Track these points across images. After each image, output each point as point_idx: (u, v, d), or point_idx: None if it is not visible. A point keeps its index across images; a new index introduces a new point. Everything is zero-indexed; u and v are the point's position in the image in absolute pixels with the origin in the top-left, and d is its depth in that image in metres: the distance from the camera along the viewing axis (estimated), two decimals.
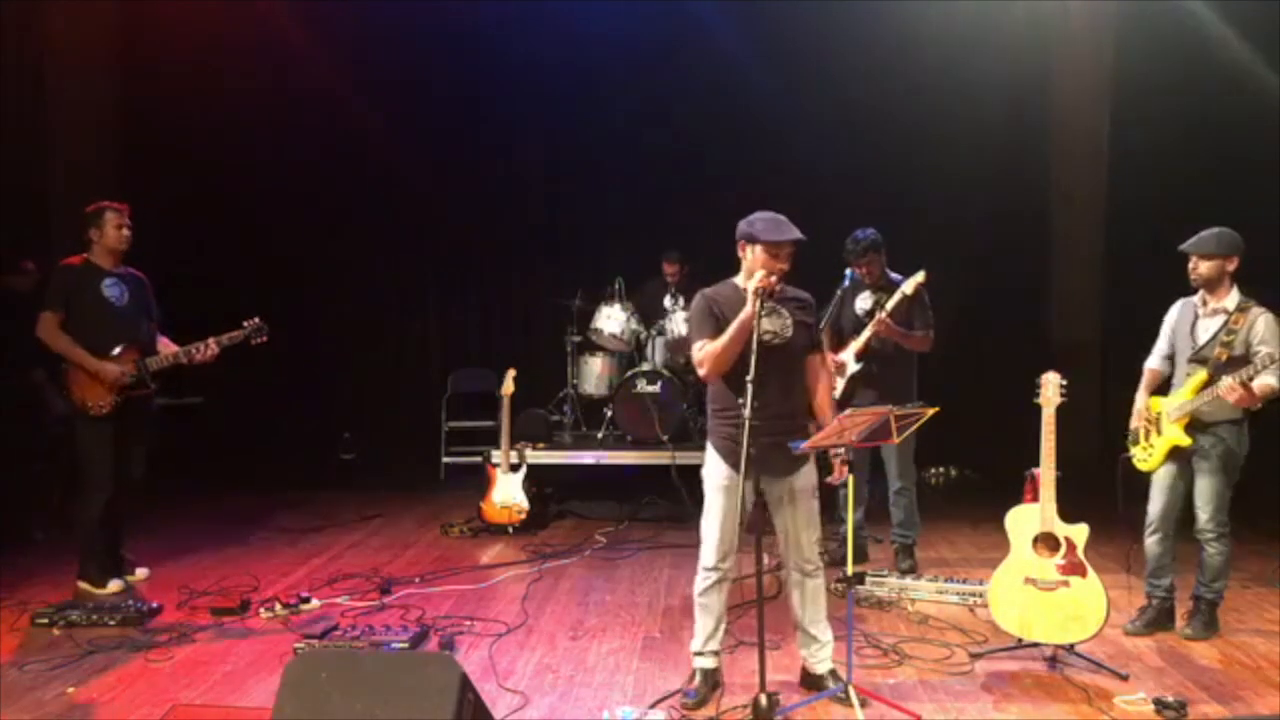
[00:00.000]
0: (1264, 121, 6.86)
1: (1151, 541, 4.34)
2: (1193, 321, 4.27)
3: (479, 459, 6.68)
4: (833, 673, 3.68)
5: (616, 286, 7.28)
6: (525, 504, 6.28)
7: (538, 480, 6.54)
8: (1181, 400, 4.17)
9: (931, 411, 3.52)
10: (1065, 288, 8.32)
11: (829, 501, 4.96)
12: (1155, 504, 4.33)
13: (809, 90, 7.98)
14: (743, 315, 3.42)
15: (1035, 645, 3.99)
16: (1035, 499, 3.95)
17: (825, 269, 5.20)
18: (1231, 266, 4.16)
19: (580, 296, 7.40)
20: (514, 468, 6.36)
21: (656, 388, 6.86)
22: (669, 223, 8.02)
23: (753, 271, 3.50)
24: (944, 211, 7.93)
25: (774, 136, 8.07)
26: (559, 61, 8.01)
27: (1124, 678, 3.82)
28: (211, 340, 4.98)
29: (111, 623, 4.40)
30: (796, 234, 3.49)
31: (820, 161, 7.89)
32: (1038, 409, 3.95)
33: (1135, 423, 4.38)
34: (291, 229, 8.33)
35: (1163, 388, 4.36)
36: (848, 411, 3.39)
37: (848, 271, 5.33)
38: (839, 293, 5.31)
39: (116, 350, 4.82)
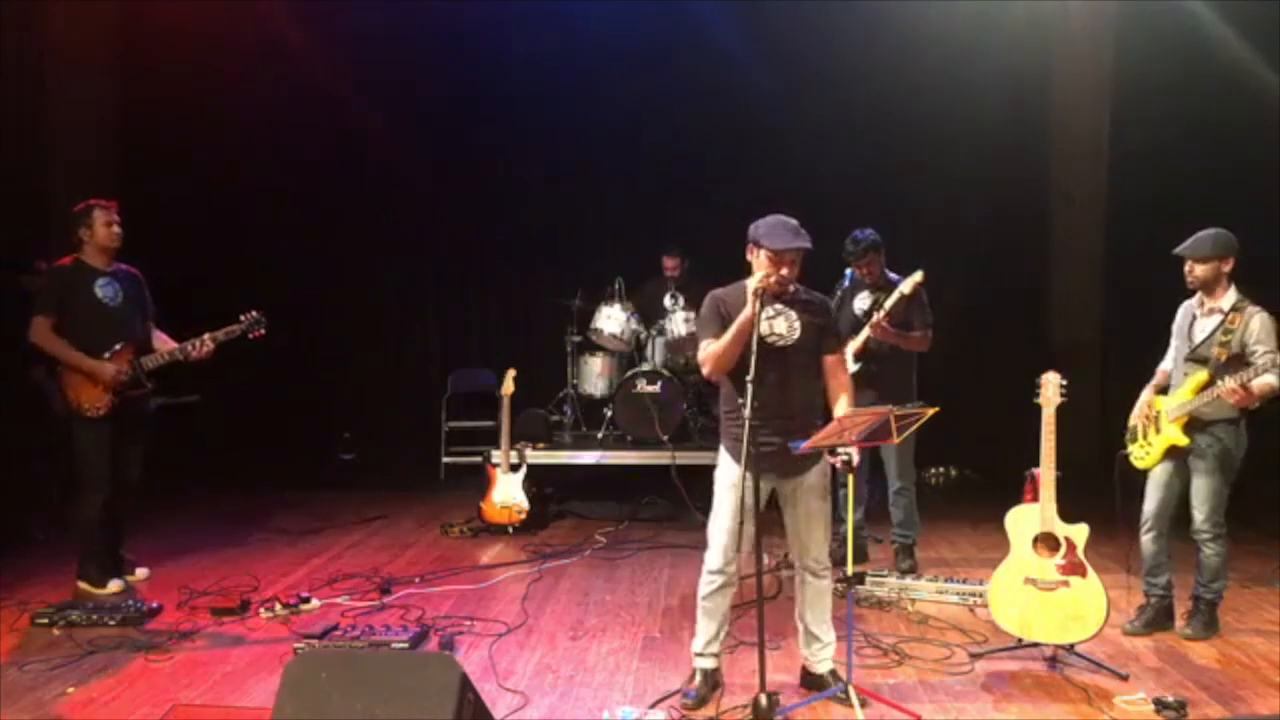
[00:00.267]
0: (1264, 121, 6.86)
1: (1147, 540, 4.34)
2: (1190, 322, 4.29)
3: (479, 459, 6.68)
4: (833, 673, 3.69)
5: (616, 286, 7.28)
6: (525, 504, 6.28)
7: (538, 480, 6.54)
8: (1181, 400, 4.18)
9: (931, 411, 3.52)
10: (1065, 288, 8.31)
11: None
12: (1151, 501, 4.34)
13: (809, 90, 7.98)
14: (742, 316, 3.44)
15: (1035, 645, 4.00)
16: (1035, 499, 3.95)
17: (825, 269, 5.19)
18: (1227, 268, 4.16)
19: (580, 296, 7.40)
20: (514, 468, 6.36)
21: (656, 388, 6.86)
22: (669, 222, 8.02)
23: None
24: (944, 211, 7.93)
25: (774, 136, 8.06)
26: (558, 61, 8.00)
27: (1124, 678, 3.82)
28: (207, 336, 4.94)
29: (111, 623, 4.40)
30: (801, 243, 3.46)
31: (820, 161, 7.89)
32: (1038, 409, 3.95)
33: (1135, 420, 4.39)
34: (291, 229, 8.32)
35: (1168, 389, 4.36)
36: (848, 411, 3.39)
37: (847, 272, 5.34)
38: (838, 293, 5.31)
39: (111, 351, 4.80)
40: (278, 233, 8.28)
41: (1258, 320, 4.07)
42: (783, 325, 3.52)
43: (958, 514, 6.65)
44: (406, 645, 4.02)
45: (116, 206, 4.95)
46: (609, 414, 7.19)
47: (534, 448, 6.74)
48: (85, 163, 7.41)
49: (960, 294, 7.53)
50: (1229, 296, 4.17)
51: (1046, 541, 3.91)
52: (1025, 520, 3.96)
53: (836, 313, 5.26)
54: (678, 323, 6.99)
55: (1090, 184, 8.15)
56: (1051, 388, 3.92)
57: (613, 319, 7.13)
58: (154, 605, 4.61)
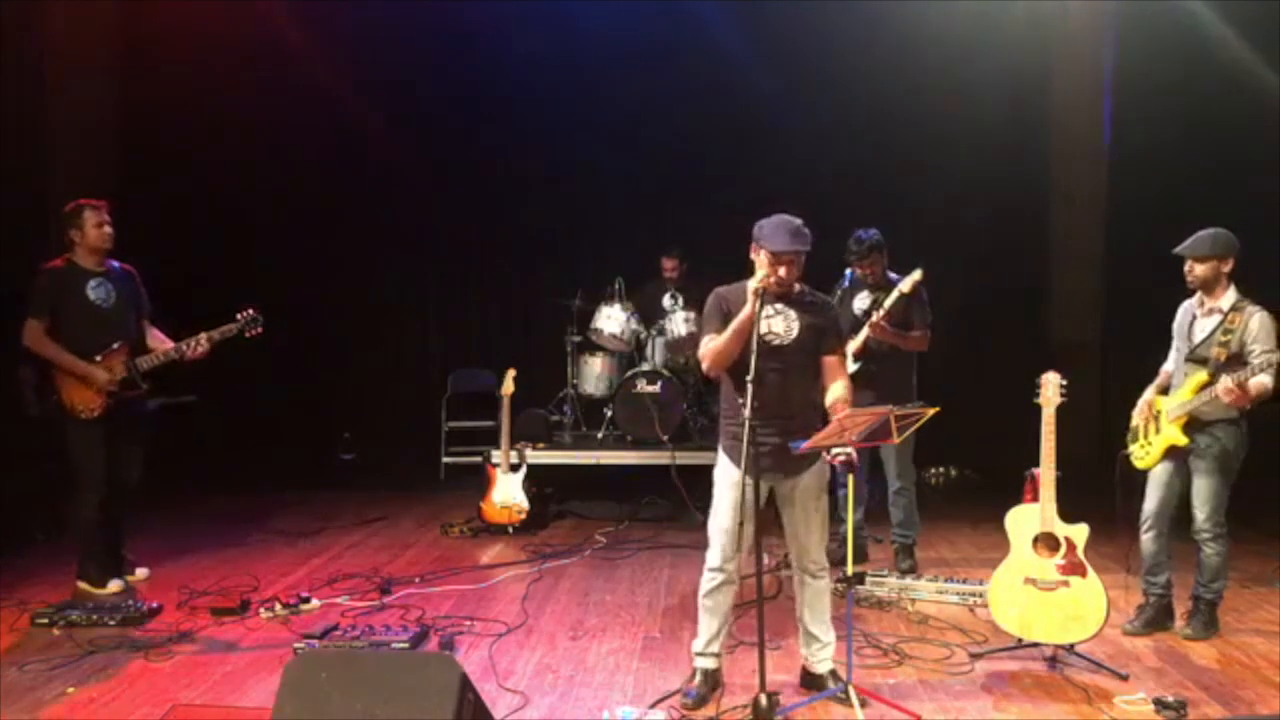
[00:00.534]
0: (1264, 121, 6.86)
1: (1147, 538, 4.35)
2: (1190, 322, 4.29)
3: (479, 459, 6.68)
4: (833, 673, 3.69)
5: (616, 286, 7.27)
6: (525, 504, 6.28)
7: (538, 480, 6.54)
8: (1181, 400, 4.18)
9: (932, 411, 3.52)
10: (1065, 288, 8.31)
11: (829, 501, 4.96)
12: (1151, 500, 4.34)
13: (809, 90, 7.98)
14: (742, 314, 3.45)
15: (1035, 645, 3.99)
16: (1035, 499, 3.95)
17: (825, 269, 5.19)
18: (1227, 267, 4.16)
19: (580, 296, 7.39)
20: (514, 468, 6.36)
21: (656, 388, 6.86)
22: (669, 223, 8.02)
23: None
24: (944, 211, 7.93)
25: (774, 136, 8.07)
26: (558, 61, 8.00)
27: (1124, 678, 3.82)
28: (203, 335, 4.92)
29: (111, 623, 4.40)
30: (799, 245, 3.46)
31: (820, 161, 7.89)
32: (1038, 409, 3.95)
33: (1136, 418, 4.39)
34: (291, 228, 8.32)
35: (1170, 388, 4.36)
36: (848, 411, 3.39)
37: (847, 272, 5.34)
38: (838, 293, 5.31)
39: (106, 351, 4.79)
40: (278, 233, 8.28)
41: (1256, 320, 4.07)
42: (780, 325, 3.53)
43: (958, 514, 6.65)
44: (406, 645, 4.02)
45: (107, 206, 4.92)
46: (609, 414, 7.19)
47: (534, 448, 6.74)
48: (85, 163, 7.40)
49: (960, 294, 7.52)
50: (1229, 296, 4.17)
51: (1046, 541, 3.91)
52: (1025, 520, 3.96)
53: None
54: (678, 323, 6.99)
55: (1090, 184, 8.15)
56: (1051, 388, 3.92)
57: (613, 319, 7.12)
58: (154, 605, 4.61)
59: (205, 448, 7.83)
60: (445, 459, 8.09)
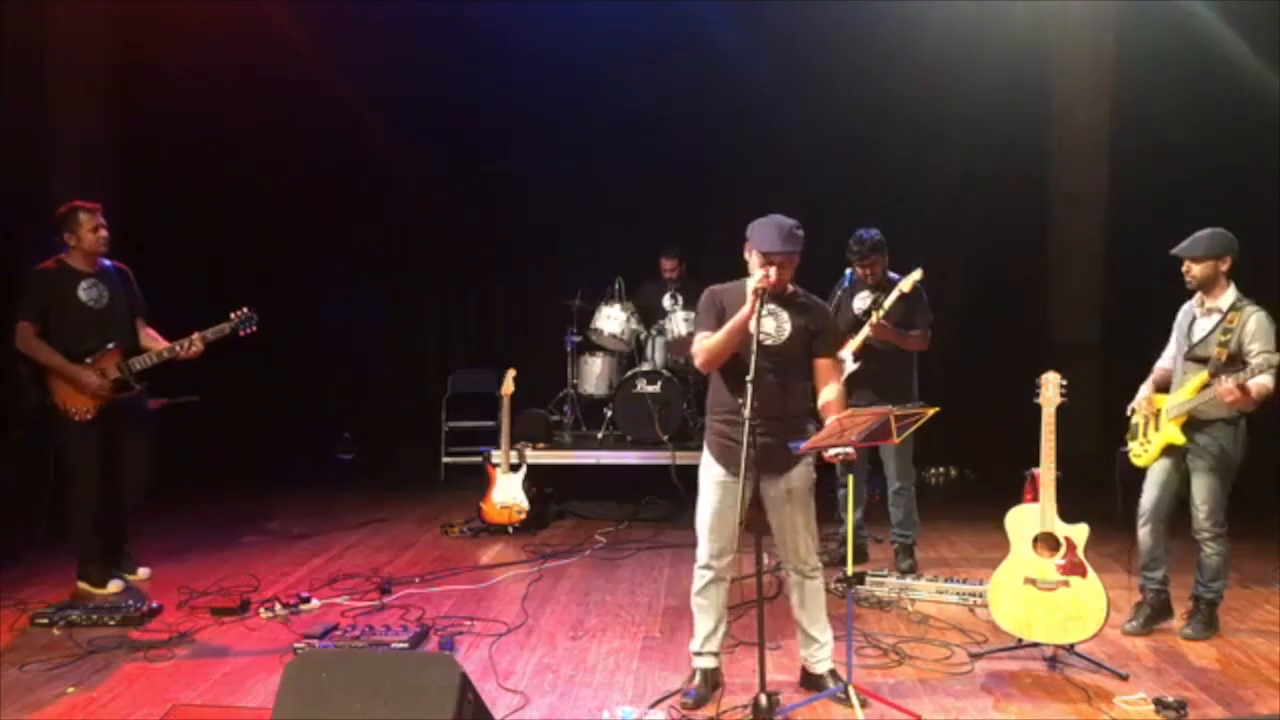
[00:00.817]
0: (1264, 121, 6.86)
1: (1144, 533, 4.35)
2: (1190, 322, 4.29)
3: (479, 459, 6.68)
4: (832, 673, 3.68)
5: (616, 286, 7.27)
6: (525, 504, 6.28)
7: (538, 480, 6.54)
8: (1181, 399, 4.18)
9: (931, 411, 3.52)
10: (1065, 288, 8.31)
11: (829, 502, 4.97)
12: (1148, 496, 4.35)
13: (809, 90, 7.98)
14: (740, 314, 3.44)
15: (1035, 645, 3.99)
16: (1035, 499, 3.95)
17: (824, 269, 5.20)
18: (1225, 267, 4.16)
19: (580, 296, 7.39)
20: (514, 468, 6.36)
21: (656, 388, 6.85)
22: (669, 222, 8.02)
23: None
24: (944, 211, 7.93)
25: (774, 136, 8.06)
26: (558, 60, 8.00)
27: (1124, 678, 3.82)
28: (196, 335, 4.89)
29: (111, 623, 4.40)
30: (789, 247, 3.44)
31: (820, 161, 7.89)
32: (1038, 409, 3.95)
33: (1136, 416, 4.39)
34: (291, 228, 8.33)
35: (1168, 386, 4.36)
36: (847, 411, 3.39)
37: (847, 272, 5.33)
38: (838, 292, 5.31)
39: (100, 352, 4.78)
40: (278, 233, 8.28)
41: (1255, 320, 4.06)
42: (771, 325, 3.52)
43: (958, 514, 6.65)
44: (406, 645, 4.02)
45: (101, 209, 4.89)
46: (609, 414, 7.19)
47: (534, 448, 6.74)
48: (85, 162, 7.41)
49: (960, 294, 7.53)
50: (1228, 296, 4.17)
51: (1046, 541, 3.91)
52: (1025, 520, 3.96)
53: (835, 314, 5.29)
54: (677, 323, 6.99)
55: (1090, 184, 8.15)
56: (1051, 388, 3.92)
57: (613, 319, 7.12)
58: (154, 605, 4.60)
59: (205, 447, 7.83)
60: (445, 459, 8.09)
